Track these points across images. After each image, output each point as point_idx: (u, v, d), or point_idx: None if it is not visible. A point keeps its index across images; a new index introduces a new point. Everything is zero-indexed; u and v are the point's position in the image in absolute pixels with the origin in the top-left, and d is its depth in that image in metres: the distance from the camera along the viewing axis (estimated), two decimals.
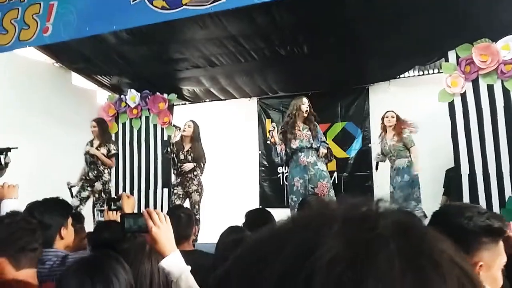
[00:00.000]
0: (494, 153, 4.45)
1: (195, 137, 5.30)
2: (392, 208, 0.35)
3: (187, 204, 5.17)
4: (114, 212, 2.34)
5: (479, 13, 4.23)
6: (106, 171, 5.34)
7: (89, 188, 5.26)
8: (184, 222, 2.44)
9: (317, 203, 0.37)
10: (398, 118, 4.89)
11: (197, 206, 5.15)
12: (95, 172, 5.27)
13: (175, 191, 5.30)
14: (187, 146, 5.29)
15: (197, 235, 5.00)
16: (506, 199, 4.37)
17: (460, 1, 4.09)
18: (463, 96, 4.62)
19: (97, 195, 5.26)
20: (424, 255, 0.29)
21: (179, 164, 5.26)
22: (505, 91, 4.46)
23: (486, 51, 4.44)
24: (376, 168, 5.12)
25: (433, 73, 5.75)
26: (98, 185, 5.26)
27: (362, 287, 0.27)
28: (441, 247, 0.30)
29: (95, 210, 5.19)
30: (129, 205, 2.32)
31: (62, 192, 4.97)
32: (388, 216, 0.32)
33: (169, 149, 5.35)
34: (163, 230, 1.35)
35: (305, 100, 4.61)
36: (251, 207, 5.78)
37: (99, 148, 5.28)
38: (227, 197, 6.47)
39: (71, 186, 5.09)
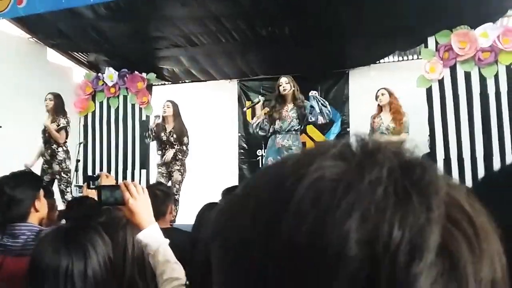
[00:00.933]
0: (469, 139, 4.56)
1: (176, 116, 5.23)
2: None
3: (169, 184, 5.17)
4: (93, 190, 2.31)
5: (460, 0, 4.27)
6: (60, 149, 5.00)
7: (49, 171, 5.01)
8: (161, 198, 2.42)
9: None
10: (391, 94, 4.62)
11: (177, 186, 5.10)
12: (49, 151, 5.00)
13: (159, 170, 5.22)
14: (169, 127, 5.21)
15: (175, 216, 4.98)
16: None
17: None
18: (441, 82, 4.69)
19: (58, 177, 5.00)
20: (416, 186, 0.28)
21: (162, 146, 5.19)
22: (482, 78, 4.55)
23: (464, 38, 4.50)
24: None
25: (413, 59, 5.81)
26: (54, 166, 4.98)
27: (341, 204, 0.27)
28: (441, 184, 0.29)
29: (72, 186, 5.05)
30: (108, 183, 2.29)
31: (35, 170, 4.90)
32: (389, 150, 0.31)
33: (147, 134, 5.28)
34: (140, 202, 1.32)
35: (282, 80, 4.47)
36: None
37: (51, 124, 4.98)
38: (206, 179, 6.44)
39: (28, 168, 4.85)
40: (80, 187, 2.33)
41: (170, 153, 5.08)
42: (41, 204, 1.92)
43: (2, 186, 1.85)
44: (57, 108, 5.06)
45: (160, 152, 5.24)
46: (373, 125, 4.66)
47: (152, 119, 5.37)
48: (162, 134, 5.15)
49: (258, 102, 4.59)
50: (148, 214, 1.35)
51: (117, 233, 1.45)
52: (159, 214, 2.36)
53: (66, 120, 5.07)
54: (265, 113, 4.48)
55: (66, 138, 5.09)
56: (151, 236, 1.32)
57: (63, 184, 5.00)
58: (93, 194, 2.26)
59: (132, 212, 1.32)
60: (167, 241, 1.34)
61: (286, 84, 4.42)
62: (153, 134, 5.20)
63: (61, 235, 1.21)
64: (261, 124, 4.47)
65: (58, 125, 4.97)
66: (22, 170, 2.00)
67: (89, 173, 6.11)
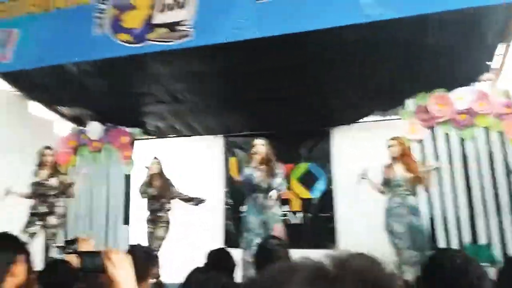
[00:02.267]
0: (452, 200, 4.56)
1: (162, 174, 5.37)
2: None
3: None
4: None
5: (437, 64, 4.43)
6: (61, 203, 5.00)
7: (38, 223, 4.87)
8: (142, 261, 2.34)
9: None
10: (401, 145, 4.42)
11: (159, 242, 5.09)
12: (46, 204, 4.90)
13: (148, 230, 5.29)
14: (156, 183, 5.30)
15: (158, 275, 4.84)
16: (464, 243, 4.46)
17: (420, 51, 4.27)
18: (421, 142, 4.76)
19: (53, 230, 4.90)
20: None
21: (150, 201, 5.30)
22: (461, 140, 4.63)
23: (441, 101, 4.63)
24: (359, 181, 4.55)
25: (394, 119, 5.92)
26: (51, 219, 4.89)
27: None
28: None
29: (54, 246, 4.87)
30: (85, 248, 2.21)
31: (16, 223, 4.75)
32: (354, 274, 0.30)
33: (141, 189, 5.35)
34: (121, 271, 1.29)
35: (255, 141, 4.54)
36: (216, 245, 5.69)
37: (50, 179, 4.96)
38: (192, 235, 6.31)
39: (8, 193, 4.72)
40: (61, 247, 2.26)
41: (157, 201, 5.23)
42: (19, 269, 1.84)
43: None
44: (56, 163, 5.15)
45: (148, 209, 5.29)
46: (388, 175, 4.43)
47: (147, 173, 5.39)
48: (149, 190, 5.28)
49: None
50: (130, 283, 1.31)
51: None
52: (141, 278, 2.27)
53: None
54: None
55: None
56: None
57: (52, 239, 4.87)
58: (70, 258, 2.18)
59: (112, 281, 1.28)
60: None
61: (260, 146, 4.46)
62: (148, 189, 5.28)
63: None
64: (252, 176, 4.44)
65: (64, 182, 5.06)
66: (3, 232, 1.91)
67: (69, 228, 5.93)
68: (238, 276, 3.86)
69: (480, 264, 1.40)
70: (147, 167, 5.40)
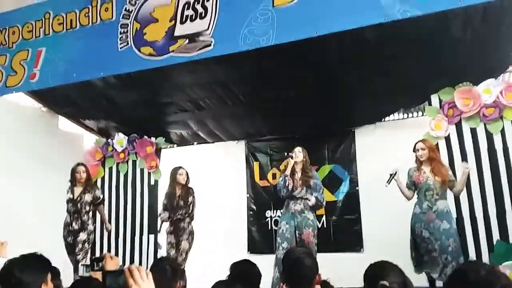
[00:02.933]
0: (480, 197, 4.47)
1: (187, 184, 5.34)
2: None
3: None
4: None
5: (462, 57, 4.35)
6: (90, 221, 5.15)
7: (70, 240, 5.06)
8: (169, 275, 2.38)
9: None
10: (431, 149, 4.34)
11: (184, 255, 5.04)
12: (79, 221, 5.05)
13: (168, 240, 5.23)
14: (178, 192, 5.28)
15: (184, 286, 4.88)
16: (494, 242, 4.36)
17: (443, 45, 4.22)
18: (447, 139, 4.68)
19: (80, 246, 5.02)
20: None
21: (172, 211, 5.24)
22: (488, 134, 4.53)
23: (467, 95, 4.54)
24: (389, 182, 4.42)
25: (418, 116, 5.85)
26: (82, 235, 5.03)
27: None
28: None
29: (80, 265, 4.99)
30: (112, 266, 2.26)
31: (48, 236, 4.88)
32: None
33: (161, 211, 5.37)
34: None
35: (296, 149, 4.67)
36: (240, 252, 5.72)
37: (83, 195, 5.11)
38: (216, 242, 6.36)
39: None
40: (87, 266, 2.30)
41: (179, 211, 5.18)
42: None
43: (11, 268, 1.85)
44: (89, 178, 5.26)
45: (170, 219, 5.25)
46: (417, 179, 4.34)
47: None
48: (174, 201, 5.22)
49: (292, 159, 4.62)
50: None
51: None
52: None
53: (100, 192, 5.41)
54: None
55: None
56: None
57: (82, 255, 5.01)
58: (98, 275, 2.23)
59: None
60: None
61: (299, 153, 4.63)
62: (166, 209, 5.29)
63: None
64: (281, 185, 4.59)
65: (96, 197, 5.22)
66: (32, 253, 1.99)
67: (97, 240, 6.05)
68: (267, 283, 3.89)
69: (506, 276, 1.39)
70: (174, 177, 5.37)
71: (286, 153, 4.85)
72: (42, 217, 5.20)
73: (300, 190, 4.55)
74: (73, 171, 5.17)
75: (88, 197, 5.12)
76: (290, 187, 4.52)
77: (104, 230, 5.94)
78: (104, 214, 5.55)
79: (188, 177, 5.33)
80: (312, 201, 4.56)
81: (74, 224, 5.04)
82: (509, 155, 4.44)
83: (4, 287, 1.82)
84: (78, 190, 5.14)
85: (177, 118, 6.02)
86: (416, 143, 4.41)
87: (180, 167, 5.37)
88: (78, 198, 5.08)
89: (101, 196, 5.36)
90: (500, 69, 4.66)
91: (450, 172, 4.35)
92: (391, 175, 4.40)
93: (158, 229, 5.61)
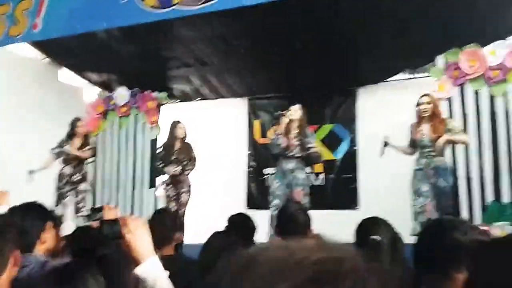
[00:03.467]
0: (478, 158, 4.52)
1: (184, 138, 5.37)
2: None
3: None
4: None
5: (469, 18, 4.29)
6: (89, 170, 5.36)
7: (70, 190, 5.17)
8: (168, 225, 2.45)
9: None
10: (435, 104, 4.23)
11: (184, 208, 5.14)
12: (81, 172, 5.24)
13: (167, 193, 5.31)
14: (176, 146, 5.32)
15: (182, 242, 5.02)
16: (487, 202, 4.46)
17: (450, 5, 4.14)
18: (450, 100, 4.68)
19: (81, 196, 5.18)
20: None
21: (169, 164, 5.29)
22: (491, 96, 4.53)
23: (473, 56, 4.50)
24: (382, 152, 4.44)
25: (422, 77, 5.81)
26: (84, 186, 5.21)
27: None
28: None
29: (81, 215, 5.12)
30: (111, 215, 2.31)
31: (48, 188, 4.97)
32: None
33: (159, 163, 5.41)
34: (137, 237, 1.35)
35: (292, 107, 4.64)
36: (238, 207, 5.84)
37: (82, 148, 5.24)
38: (215, 196, 6.47)
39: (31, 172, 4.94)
40: (86, 216, 2.40)
41: (170, 168, 5.17)
42: (48, 236, 1.94)
43: (12, 215, 1.90)
44: (88, 133, 5.40)
45: (168, 169, 5.30)
46: (415, 136, 4.28)
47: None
48: (171, 152, 5.25)
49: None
50: (146, 248, 1.36)
51: (122, 268, 1.47)
52: (165, 241, 2.40)
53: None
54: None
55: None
56: (149, 270, 1.32)
57: (83, 204, 5.13)
58: (96, 225, 2.30)
59: (129, 247, 1.35)
60: (166, 273, 1.34)
61: (295, 112, 4.59)
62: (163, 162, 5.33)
63: (55, 276, 1.27)
64: (273, 145, 4.63)
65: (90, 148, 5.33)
66: (32, 202, 2.04)
67: (97, 193, 6.15)
68: (262, 237, 4.00)
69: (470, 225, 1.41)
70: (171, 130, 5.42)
71: (281, 112, 4.80)
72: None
73: (291, 150, 4.56)
74: (73, 125, 5.21)
75: (87, 151, 5.26)
76: (282, 146, 4.54)
77: (107, 181, 6.06)
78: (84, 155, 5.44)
79: (184, 131, 5.37)
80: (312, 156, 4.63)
81: (74, 177, 5.15)
82: (510, 118, 4.46)
83: None
84: (78, 142, 5.24)
85: (179, 73, 5.97)
86: (421, 97, 4.26)
87: (177, 122, 5.39)
88: (78, 151, 5.19)
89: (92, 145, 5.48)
90: (508, 31, 4.58)
91: (450, 125, 4.18)
92: (383, 145, 4.40)
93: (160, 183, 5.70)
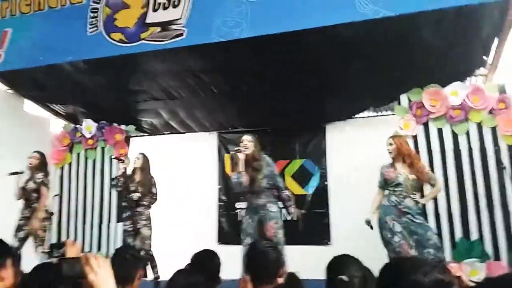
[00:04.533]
0: (444, 195, 4.59)
1: (143, 168, 5.24)
2: None
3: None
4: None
5: (431, 59, 4.44)
6: (40, 206, 4.96)
7: (25, 228, 4.90)
8: (129, 264, 2.36)
9: None
10: (400, 144, 4.20)
11: (147, 242, 4.97)
12: (29, 209, 4.94)
13: (124, 228, 5.14)
14: (137, 178, 5.20)
15: (157, 272, 4.86)
16: (456, 240, 4.50)
17: (414, 47, 4.29)
18: (415, 138, 4.77)
19: (38, 233, 4.90)
20: None
21: (128, 196, 5.15)
22: (454, 135, 4.65)
23: (435, 96, 4.64)
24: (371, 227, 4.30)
25: (387, 114, 5.95)
26: (35, 223, 4.87)
27: None
28: None
29: (40, 252, 4.87)
30: (73, 252, 2.22)
31: (6, 223, 4.75)
32: None
33: (113, 183, 5.24)
34: (100, 277, 1.30)
35: (243, 137, 4.41)
36: (210, 243, 5.72)
37: (27, 183, 4.95)
38: (185, 232, 6.34)
39: (17, 173, 4.78)
40: (46, 253, 2.28)
41: (136, 194, 5.01)
42: (8, 273, 1.85)
43: None
44: (41, 166, 5.06)
45: (125, 204, 5.17)
46: (386, 176, 4.23)
47: (118, 167, 5.34)
48: (130, 185, 5.13)
49: (241, 157, 4.32)
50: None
51: None
52: (127, 280, 2.30)
53: (44, 174, 5.05)
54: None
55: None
56: None
57: (39, 242, 4.87)
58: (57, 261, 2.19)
59: (92, 287, 1.29)
60: None
61: (248, 142, 4.34)
62: (121, 183, 5.14)
63: None
64: (236, 184, 4.36)
65: (35, 182, 4.93)
66: None
67: (63, 227, 5.94)
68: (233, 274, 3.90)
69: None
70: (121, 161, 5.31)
71: (236, 148, 4.45)
72: (2, 203, 5.04)
73: (257, 184, 4.31)
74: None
75: (32, 185, 4.94)
76: (245, 184, 4.29)
77: (71, 217, 5.84)
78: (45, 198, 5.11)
79: (145, 162, 5.24)
80: (282, 196, 4.45)
81: (26, 211, 4.93)
82: (473, 156, 4.57)
83: None
84: (25, 177, 5.02)
85: (148, 107, 5.93)
86: (388, 139, 4.31)
87: (139, 154, 5.31)
88: (25, 186, 4.96)
89: (39, 180, 5.02)
90: (468, 72, 4.78)
91: (427, 170, 4.24)
92: (367, 223, 4.30)
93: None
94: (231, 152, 4.72)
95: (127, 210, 5.15)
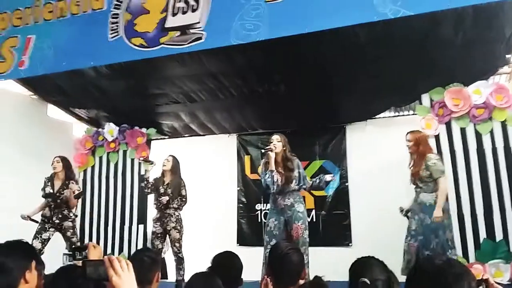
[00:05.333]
0: (468, 195, 4.51)
1: (174, 171, 5.17)
2: None
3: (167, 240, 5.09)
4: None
5: (453, 58, 4.37)
6: (71, 214, 4.95)
7: (51, 230, 4.86)
8: (147, 266, 2.38)
9: None
10: (418, 141, 4.23)
11: (177, 244, 4.92)
12: (60, 216, 4.87)
13: (153, 229, 5.08)
14: (166, 180, 5.18)
15: (183, 274, 4.87)
16: (481, 241, 4.41)
17: (435, 46, 4.23)
18: (437, 138, 4.71)
19: (69, 238, 4.88)
20: None
21: (158, 198, 5.10)
22: (477, 134, 4.57)
23: (458, 95, 4.57)
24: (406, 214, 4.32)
25: (409, 114, 5.87)
26: (66, 224, 4.86)
27: None
28: None
29: (63, 255, 4.92)
30: (95, 255, 2.24)
31: (33, 228, 4.85)
32: None
33: (143, 184, 5.25)
34: (124, 280, 1.29)
35: (274, 137, 4.39)
36: (229, 245, 5.73)
37: (62, 191, 4.87)
38: (205, 234, 6.37)
39: (28, 218, 4.76)
40: (69, 255, 2.29)
41: (165, 198, 5.00)
42: (32, 276, 1.88)
43: None
44: (67, 171, 4.99)
45: (155, 206, 5.18)
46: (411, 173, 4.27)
47: (148, 169, 5.35)
48: (160, 187, 5.10)
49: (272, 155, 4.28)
50: None
51: None
52: (144, 282, 2.32)
53: (80, 186, 5.12)
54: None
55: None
56: None
57: (67, 248, 4.90)
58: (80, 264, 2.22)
59: None
60: None
61: (277, 142, 4.32)
62: (150, 185, 5.17)
63: None
64: (269, 181, 4.25)
65: (74, 192, 4.85)
66: (17, 240, 1.97)
67: (86, 228, 6.06)
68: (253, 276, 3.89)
69: (462, 265, 1.40)
70: (150, 163, 5.30)
71: (264, 149, 4.43)
72: (27, 207, 5.15)
73: (289, 184, 4.27)
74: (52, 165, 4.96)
75: (66, 192, 4.87)
76: (279, 182, 4.24)
77: (95, 217, 5.94)
78: (73, 202, 5.05)
79: (175, 165, 5.16)
80: (314, 184, 4.46)
81: (54, 218, 4.86)
82: (498, 156, 4.48)
83: None
84: (57, 184, 4.92)
85: (168, 110, 5.99)
86: (406, 134, 4.34)
87: (169, 156, 5.26)
88: (58, 194, 4.89)
89: (78, 191, 4.96)
90: (491, 71, 4.67)
91: (430, 162, 4.11)
92: (401, 211, 4.34)
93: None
94: (262, 150, 4.67)
95: (157, 211, 5.11)
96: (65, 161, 5.02)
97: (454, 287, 1.27)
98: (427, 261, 1.38)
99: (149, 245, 5.46)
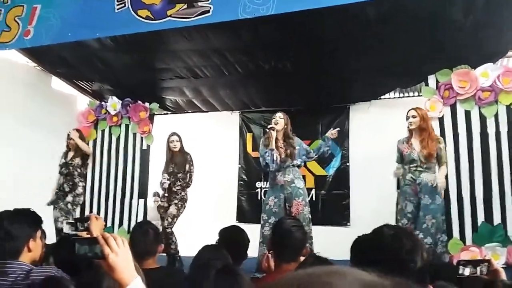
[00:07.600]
0: (468, 178, 4.52)
1: (181, 150, 5.23)
2: None
3: None
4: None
5: (460, 40, 4.33)
6: (80, 183, 5.33)
7: (61, 200, 5.24)
8: (151, 238, 2.42)
9: None
10: (423, 118, 4.14)
11: (169, 219, 4.96)
12: (70, 183, 5.24)
13: (160, 203, 5.17)
14: (174, 158, 5.19)
15: (175, 248, 4.93)
16: (479, 224, 4.45)
17: (444, 26, 4.18)
18: (441, 120, 4.70)
19: (65, 207, 5.17)
20: None
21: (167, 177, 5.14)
22: (482, 117, 4.56)
23: (465, 77, 4.54)
24: (398, 187, 4.41)
25: (413, 95, 5.85)
26: (68, 197, 5.21)
27: None
28: None
29: (64, 222, 5.01)
30: (97, 226, 2.27)
31: (36, 197, 4.88)
32: None
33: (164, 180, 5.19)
34: (121, 257, 1.23)
35: (277, 114, 4.47)
36: (229, 221, 5.79)
37: (73, 159, 5.28)
38: (206, 210, 6.43)
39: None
40: (72, 224, 2.28)
41: (166, 183, 5.07)
42: (36, 245, 1.90)
43: (1, 219, 1.84)
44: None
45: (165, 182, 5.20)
46: (402, 151, 4.21)
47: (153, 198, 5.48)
48: (168, 167, 5.16)
49: (273, 133, 4.38)
50: (129, 269, 1.25)
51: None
52: (149, 253, 2.36)
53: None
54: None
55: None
56: None
57: (65, 216, 5.07)
58: (83, 235, 2.25)
59: (112, 268, 1.23)
60: None
61: (280, 119, 4.41)
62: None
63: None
64: (269, 160, 4.31)
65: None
66: (25, 208, 1.98)
67: (87, 202, 6.09)
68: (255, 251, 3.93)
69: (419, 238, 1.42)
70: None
71: (266, 127, 4.54)
72: (31, 177, 5.20)
73: (288, 160, 4.35)
74: (67, 137, 5.35)
75: (78, 161, 5.31)
76: (278, 161, 4.29)
77: (96, 190, 6.01)
78: (86, 148, 5.57)
79: (180, 143, 5.20)
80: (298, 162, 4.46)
81: (65, 186, 5.20)
82: (501, 140, 4.48)
83: None
84: (70, 153, 5.32)
85: (172, 85, 5.96)
86: (409, 110, 4.23)
87: (172, 134, 5.25)
88: (70, 161, 5.24)
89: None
90: (499, 53, 4.63)
91: (442, 145, 4.18)
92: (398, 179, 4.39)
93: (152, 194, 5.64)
94: (266, 128, 4.74)
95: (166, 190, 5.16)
96: (79, 132, 5.45)
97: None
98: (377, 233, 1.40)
99: (149, 218, 5.52)
